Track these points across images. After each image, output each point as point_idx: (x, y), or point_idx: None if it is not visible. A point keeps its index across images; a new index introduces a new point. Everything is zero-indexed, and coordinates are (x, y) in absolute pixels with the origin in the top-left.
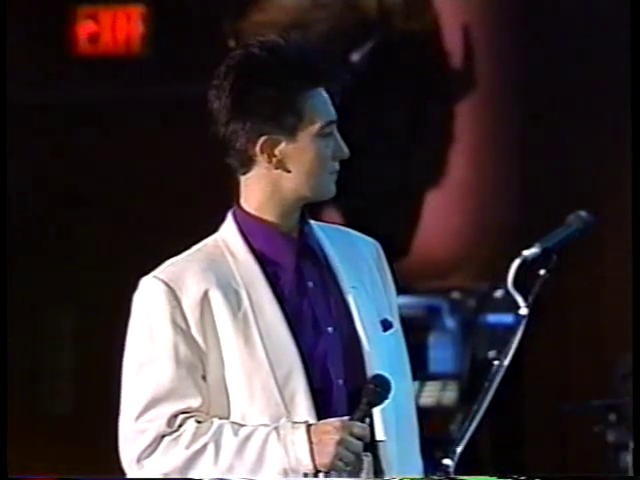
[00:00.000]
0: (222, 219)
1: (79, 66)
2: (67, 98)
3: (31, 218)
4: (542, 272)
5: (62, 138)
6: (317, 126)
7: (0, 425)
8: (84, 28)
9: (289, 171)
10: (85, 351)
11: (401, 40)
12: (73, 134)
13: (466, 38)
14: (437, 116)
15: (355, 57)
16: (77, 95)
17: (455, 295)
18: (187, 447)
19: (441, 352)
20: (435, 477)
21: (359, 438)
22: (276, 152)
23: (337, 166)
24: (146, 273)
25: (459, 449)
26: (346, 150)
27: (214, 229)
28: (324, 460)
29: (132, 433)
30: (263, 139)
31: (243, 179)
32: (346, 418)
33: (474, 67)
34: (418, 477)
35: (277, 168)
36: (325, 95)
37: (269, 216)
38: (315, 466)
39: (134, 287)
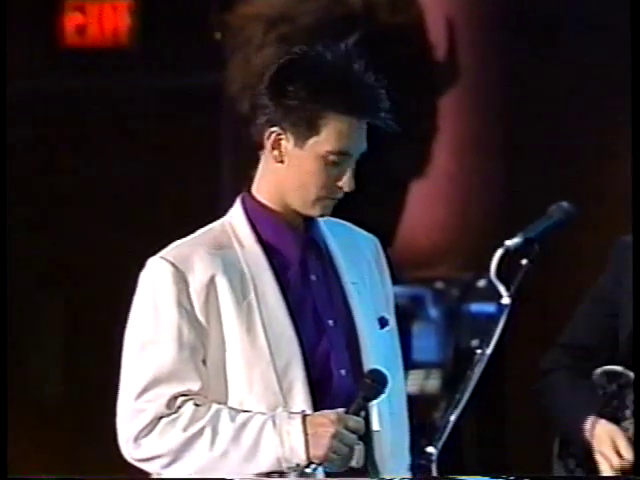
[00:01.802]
0: (214, 208)
1: (66, 58)
2: (54, 90)
3: (25, 205)
4: (524, 262)
5: (49, 129)
6: (327, 148)
7: (0, 425)
8: (71, 20)
9: (288, 174)
10: (86, 349)
11: (386, 33)
12: (60, 125)
13: (451, 31)
14: (422, 108)
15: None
16: (64, 87)
17: (439, 285)
18: (184, 430)
19: (425, 341)
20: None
21: (354, 431)
22: (282, 148)
23: (338, 195)
24: (144, 260)
25: (442, 437)
26: (350, 184)
27: (207, 216)
28: (318, 452)
29: (131, 412)
30: (274, 129)
31: (262, 161)
32: (342, 410)
33: (459, 60)
34: (412, 477)
35: (277, 162)
36: (358, 126)
37: (277, 207)
38: (308, 457)
39: (132, 274)
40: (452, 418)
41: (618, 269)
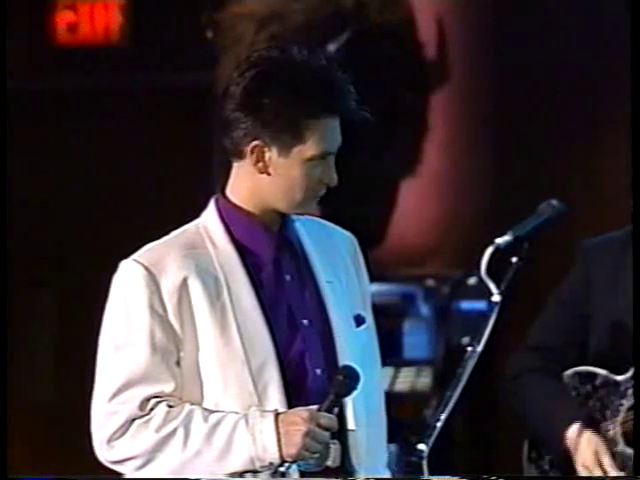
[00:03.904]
0: (203, 206)
1: (58, 56)
2: (46, 88)
3: (12, 202)
4: (514, 260)
5: (40, 127)
6: (312, 152)
7: (0, 425)
8: (63, 18)
9: (272, 180)
10: (84, 348)
11: (376, 31)
12: (51, 123)
13: (441, 30)
14: (412, 106)
15: (331, 48)
16: (56, 85)
17: (429, 282)
18: (157, 431)
19: (415, 338)
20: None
21: (327, 429)
22: (266, 159)
23: (322, 191)
24: (126, 257)
25: (433, 434)
26: (334, 179)
27: (195, 216)
28: (291, 450)
29: (104, 414)
30: (255, 142)
31: (235, 166)
32: (314, 407)
33: (448, 58)
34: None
35: (261, 173)
36: (335, 125)
37: (251, 208)
38: (281, 456)
39: (114, 272)
40: (443, 415)
41: (588, 270)
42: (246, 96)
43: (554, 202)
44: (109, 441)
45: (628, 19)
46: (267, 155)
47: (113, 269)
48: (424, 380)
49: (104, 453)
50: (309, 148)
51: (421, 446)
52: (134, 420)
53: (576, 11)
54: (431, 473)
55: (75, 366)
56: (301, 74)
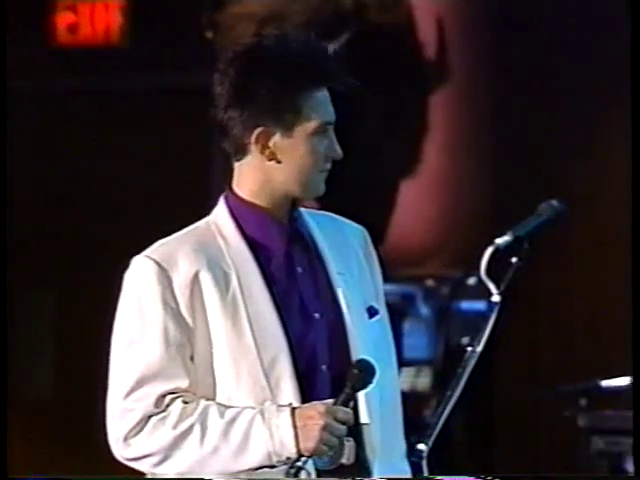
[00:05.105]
0: (205, 206)
1: (58, 57)
2: (46, 88)
3: (14, 202)
4: (514, 260)
5: (41, 127)
6: (314, 125)
7: (0, 425)
8: (63, 19)
9: (282, 167)
10: (84, 347)
11: (376, 32)
12: (52, 123)
13: (440, 30)
14: (412, 106)
15: (331, 48)
16: (56, 85)
17: (429, 282)
18: (174, 427)
19: (415, 339)
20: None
21: (343, 423)
22: (270, 144)
23: (329, 165)
24: (129, 257)
25: (433, 434)
26: (339, 151)
27: (197, 214)
28: (308, 445)
29: (120, 411)
30: (259, 130)
31: (237, 165)
32: (330, 401)
33: (448, 58)
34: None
35: (270, 160)
36: (327, 95)
37: (261, 203)
38: (299, 450)
39: (119, 271)
40: (443, 415)
41: None
42: (237, 90)
43: (554, 202)
44: (125, 439)
45: (628, 19)
46: (272, 139)
47: (113, 269)
48: (424, 380)
49: (120, 451)
50: (310, 121)
51: (421, 446)
52: (150, 417)
53: (576, 11)
54: (431, 473)
55: (75, 366)
56: (283, 52)
